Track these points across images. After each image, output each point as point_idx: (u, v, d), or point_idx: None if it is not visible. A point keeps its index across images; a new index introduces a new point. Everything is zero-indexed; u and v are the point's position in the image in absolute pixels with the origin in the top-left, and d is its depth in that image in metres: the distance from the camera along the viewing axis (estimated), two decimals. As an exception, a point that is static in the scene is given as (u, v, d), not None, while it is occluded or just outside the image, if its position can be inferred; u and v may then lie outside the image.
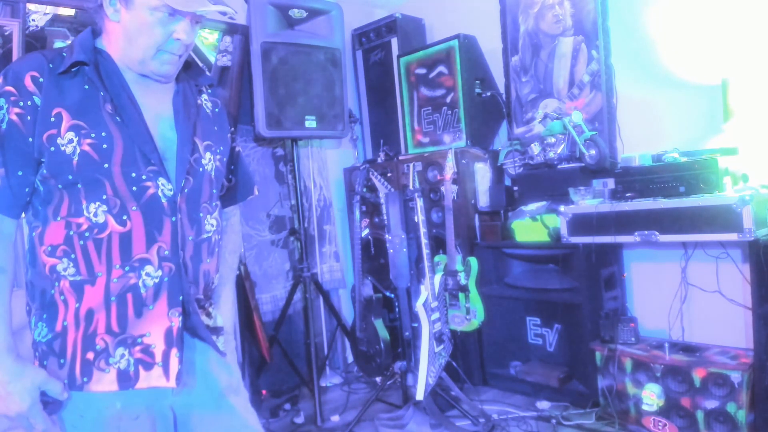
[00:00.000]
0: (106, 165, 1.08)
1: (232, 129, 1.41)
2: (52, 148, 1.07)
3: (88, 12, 1.16)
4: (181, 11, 1.11)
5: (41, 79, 1.08)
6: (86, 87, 1.11)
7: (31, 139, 1.07)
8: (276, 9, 2.99)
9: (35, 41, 2.52)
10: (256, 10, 2.93)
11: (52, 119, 1.07)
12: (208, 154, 1.25)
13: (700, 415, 2.30)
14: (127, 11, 1.10)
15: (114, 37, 1.14)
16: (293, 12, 3.03)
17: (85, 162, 1.07)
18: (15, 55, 2.44)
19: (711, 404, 2.27)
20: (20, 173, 1.08)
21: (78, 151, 1.07)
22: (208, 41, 3.14)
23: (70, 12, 2.59)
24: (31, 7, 2.48)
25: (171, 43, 1.13)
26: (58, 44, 2.57)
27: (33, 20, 2.51)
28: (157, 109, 1.18)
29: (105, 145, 1.08)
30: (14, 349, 1.08)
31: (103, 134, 1.09)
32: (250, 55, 2.98)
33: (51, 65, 1.09)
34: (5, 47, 2.43)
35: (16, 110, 1.06)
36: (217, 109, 1.35)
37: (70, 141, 1.07)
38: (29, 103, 1.07)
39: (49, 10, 2.53)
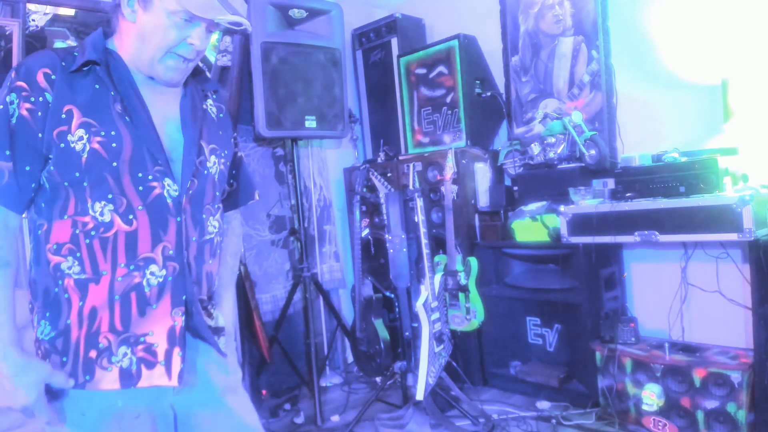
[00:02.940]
0: (114, 164, 1.09)
1: (235, 134, 1.43)
2: (62, 145, 1.08)
3: (96, 12, 1.17)
4: (198, 17, 1.12)
5: (53, 76, 1.09)
6: (97, 86, 1.12)
7: (40, 135, 1.08)
8: (276, 9, 2.98)
9: (35, 41, 2.51)
10: (256, 10, 2.92)
11: (63, 116, 1.08)
12: (213, 158, 1.27)
13: (700, 415, 2.30)
14: (144, 12, 1.12)
15: (126, 37, 1.16)
16: (293, 12, 3.03)
17: (94, 160, 1.08)
18: (15, 55, 2.44)
19: (711, 404, 2.27)
20: (28, 168, 1.09)
21: (88, 148, 1.08)
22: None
23: (70, 12, 2.59)
24: (31, 7, 2.48)
25: (183, 47, 1.15)
26: (59, 44, 2.57)
27: (33, 20, 2.51)
28: (165, 111, 1.20)
29: (114, 144, 1.10)
30: (19, 342, 1.08)
31: (113, 133, 1.10)
32: (250, 55, 2.98)
33: (63, 63, 1.11)
34: (5, 47, 2.43)
35: (27, 105, 1.07)
36: (221, 114, 1.37)
37: (80, 138, 1.08)
38: (40, 99, 1.08)
39: (49, 10, 2.53)
